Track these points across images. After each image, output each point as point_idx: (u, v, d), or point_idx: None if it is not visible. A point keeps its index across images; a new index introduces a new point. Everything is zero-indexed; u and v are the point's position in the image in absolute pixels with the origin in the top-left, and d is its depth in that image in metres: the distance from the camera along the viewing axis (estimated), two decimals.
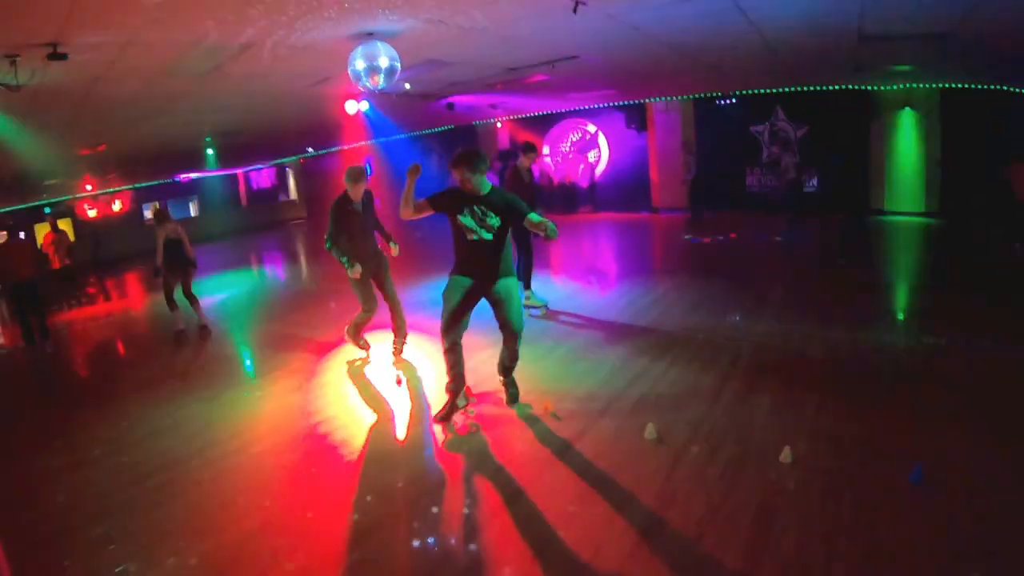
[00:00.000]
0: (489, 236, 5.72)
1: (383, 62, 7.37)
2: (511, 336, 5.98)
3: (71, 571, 4.21)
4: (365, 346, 8.11)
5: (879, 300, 9.19)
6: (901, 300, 9.50)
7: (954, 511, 3.94)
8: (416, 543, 4.12)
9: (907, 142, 15.73)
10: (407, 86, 11.23)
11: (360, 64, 7.37)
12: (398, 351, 7.94)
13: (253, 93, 10.35)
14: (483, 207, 5.69)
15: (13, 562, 4.24)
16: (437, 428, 5.86)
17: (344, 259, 7.41)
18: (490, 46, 8.85)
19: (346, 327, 8.08)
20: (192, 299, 10.55)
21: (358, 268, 7.45)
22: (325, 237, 7.53)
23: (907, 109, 15.52)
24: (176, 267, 10.26)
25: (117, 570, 4.10)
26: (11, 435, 7.14)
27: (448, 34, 7.75)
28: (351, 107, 12.42)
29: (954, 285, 9.51)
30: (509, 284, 5.90)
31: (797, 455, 4.65)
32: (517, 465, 5.03)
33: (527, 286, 9.56)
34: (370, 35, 7.36)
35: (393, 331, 7.95)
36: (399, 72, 7.66)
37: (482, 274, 5.86)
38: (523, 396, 6.26)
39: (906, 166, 15.79)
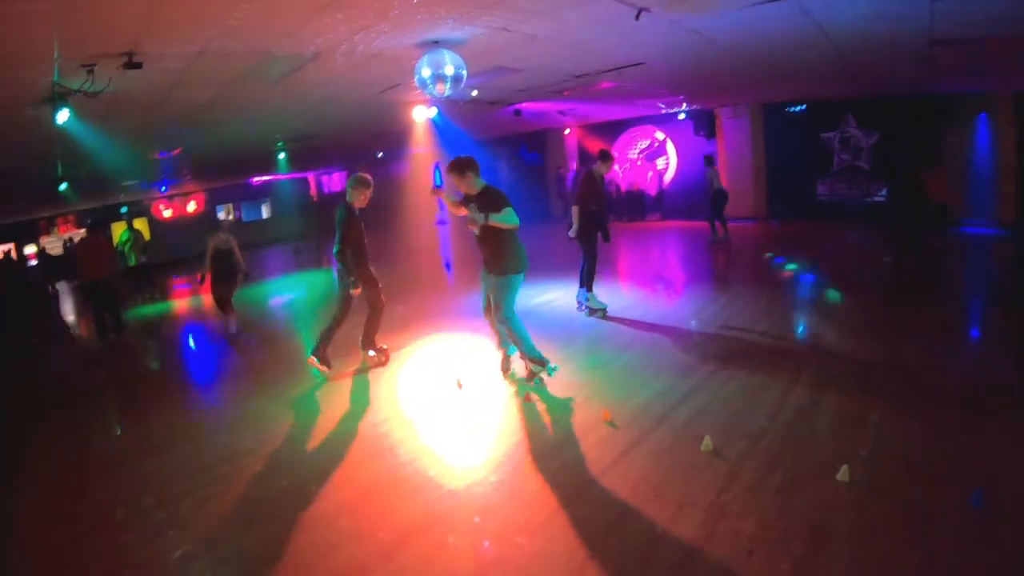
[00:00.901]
0: (477, 231, 6.58)
1: (449, 70, 7.43)
2: (498, 320, 6.78)
3: (133, 551, 4.43)
4: (381, 356, 8.08)
5: (952, 316, 8.77)
6: (975, 316, 9.09)
7: (1019, 539, 3.75)
8: (467, 544, 4.16)
9: (983, 150, 15.08)
10: (474, 93, 11.28)
11: (426, 72, 7.44)
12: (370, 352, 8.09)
13: (323, 100, 10.52)
14: (475, 204, 6.49)
15: (80, 540, 4.64)
16: (492, 431, 5.91)
17: (351, 279, 7.35)
18: (556, 53, 8.85)
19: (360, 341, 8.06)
20: (231, 309, 10.80)
21: (359, 289, 7.43)
22: (334, 244, 7.43)
23: (984, 115, 14.91)
24: (223, 276, 10.51)
25: (176, 554, 4.31)
26: (84, 423, 7.49)
27: (513, 41, 7.77)
28: (419, 114, 12.50)
29: None
30: (500, 282, 6.57)
31: (855, 474, 4.48)
32: (570, 472, 5.01)
33: (589, 288, 9.68)
34: (436, 43, 7.40)
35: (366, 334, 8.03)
36: (465, 80, 7.69)
37: (486, 263, 6.75)
38: (581, 404, 6.28)
39: (982, 175, 15.12)
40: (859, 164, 17.05)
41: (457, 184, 6.66)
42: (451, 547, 4.15)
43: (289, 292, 14.76)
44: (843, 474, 4.44)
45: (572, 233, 9.44)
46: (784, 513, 4.14)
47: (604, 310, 9.64)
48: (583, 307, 9.81)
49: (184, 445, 6.29)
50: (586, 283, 9.68)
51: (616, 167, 21.98)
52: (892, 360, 6.85)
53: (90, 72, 6.57)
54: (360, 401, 7.05)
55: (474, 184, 6.60)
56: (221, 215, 31.22)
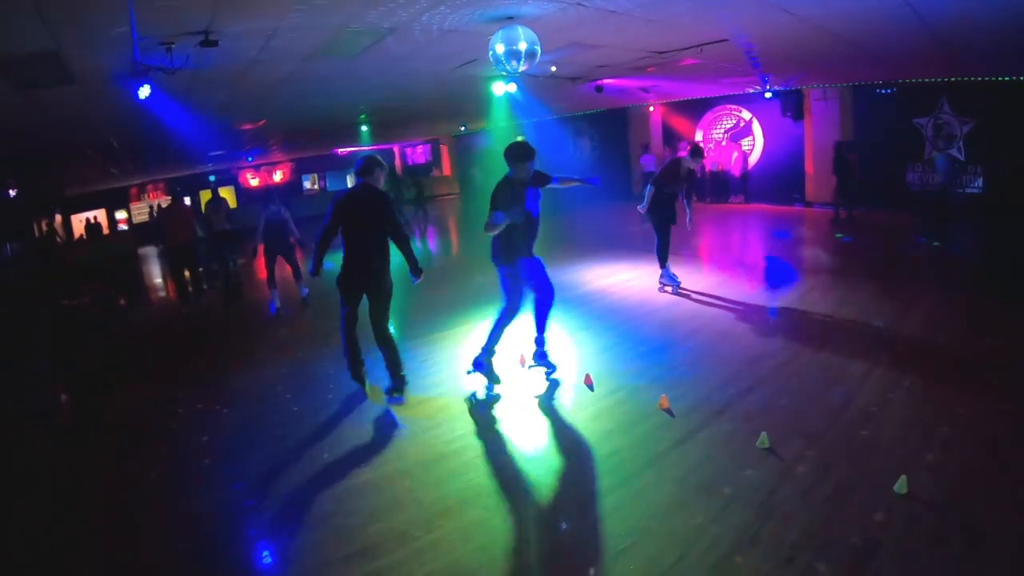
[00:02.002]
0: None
1: (522, 46, 7.34)
2: None
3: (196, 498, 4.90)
4: None
5: None
6: None
7: None
8: (506, 522, 4.26)
9: None
10: (553, 68, 11.16)
11: (500, 48, 7.38)
12: None
13: (403, 74, 10.55)
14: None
15: (158, 483, 5.22)
16: (545, 418, 5.91)
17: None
18: (634, 29, 8.64)
19: None
20: (296, 272, 11.16)
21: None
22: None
23: None
24: (276, 247, 10.67)
25: (245, 504, 4.78)
26: (162, 382, 7.94)
27: (589, 17, 7.60)
28: (499, 88, 12.44)
29: None
30: (498, 273, 6.52)
31: (914, 486, 4.21)
32: (619, 459, 4.97)
33: (662, 264, 10.03)
34: (510, 19, 7.31)
35: None
36: (539, 56, 7.59)
37: None
38: (641, 389, 6.25)
39: None
40: (952, 152, 16.21)
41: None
42: (489, 524, 4.22)
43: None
44: (901, 485, 4.20)
45: (642, 208, 9.72)
46: (832, 521, 3.98)
47: (676, 285, 9.91)
48: (663, 287, 10.04)
49: (250, 405, 6.77)
50: (660, 260, 9.97)
51: (701, 146, 21.53)
52: (968, 363, 6.45)
53: (168, 50, 6.72)
54: (424, 375, 7.16)
55: (522, 171, 6.18)
56: (307, 184, 31.92)
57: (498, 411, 6.07)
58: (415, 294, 8.77)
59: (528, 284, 6.44)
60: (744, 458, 4.83)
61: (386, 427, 5.90)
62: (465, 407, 6.19)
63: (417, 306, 9.89)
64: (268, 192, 11.12)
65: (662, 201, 9.69)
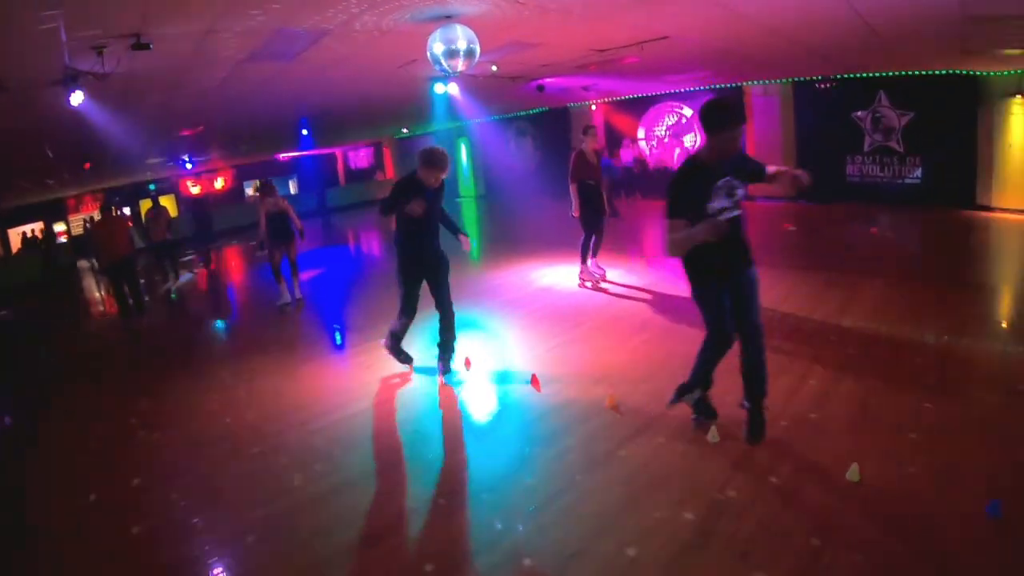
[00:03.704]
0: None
1: (461, 44, 7.28)
2: None
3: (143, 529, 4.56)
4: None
5: (981, 305, 8.30)
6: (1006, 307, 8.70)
7: None
8: (450, 529, 4.23)
9: (1018, 133, 14.56)
10: (494, 68, 11.13)
11: (439, 48, 7.32)
12: None
13: (341, 78, 10.41)
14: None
15: (99, 511, 4.90)
16: (490, 421, 5.91)
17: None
18: (574, 27, 8.64)
19: None
20: (294, 270, 10.95)
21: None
22: None
23: (1019, 97, 14.35)
24: (280, 240, 10.56)
25: (193, 521, 4.55)
26: (100, 397, 7.73)
27: (530, 15, 7.59)
28: (439, 88, 12.38)
29: None
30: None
31: (866, 474, 4.25)
32: (566, 460, 4.94)
33: (584, 261, 10.30)
34: (448, 18, 7.27)
35: None
36: (478, 55, 7.56)
37: None
38: (587, 388, 6.22)
39: (1016, 158, 14.43)
40: (891, 144, 16.60)
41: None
42: (440, 530, 4.19)
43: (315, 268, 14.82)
44: (853, 473, 4.24)
45: (574, 212, 9.90)
46: (786, 512, 4.00)
47: (597, 280, 10.20)
48: (583, 282, 10.28)
49: (191, 421, 6.51)
50: (583, 256, 10.17)
51: (643, 143, 21.77)
52: (918, 347, 6.58)
53: (100, 54, 6.54)
54: (368, 379, 7.10)
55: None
56: (249, 191, 31.42)
57: (440, 415, 6.05)
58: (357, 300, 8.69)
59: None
60: (694, 452, 4.84)
61: (328, 439, 5.75)
62: (408, 414, 6.16)
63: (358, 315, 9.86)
64: (264, 185, 10.99)
65: (587, 195, 9.86)
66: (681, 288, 9.35)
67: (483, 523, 4.22)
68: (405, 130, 27.45)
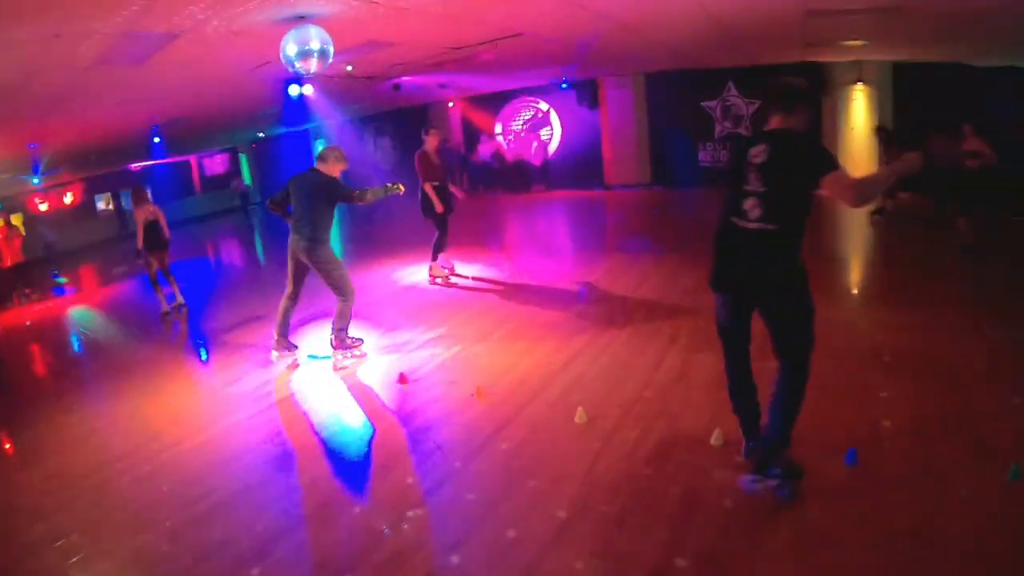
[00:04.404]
0: None
1: (315, 45, 7.32)
2: None
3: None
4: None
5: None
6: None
7: (890, 494, 3.91)
8: (338, 539, 4.14)
9: (859, 117, 15.87)
10: (349, 68, 11.18)
11: (292, 49, 7.33)
12: None
13: (193, 80, 10.25)
14: None
15: None
16: (360, 420, 5.93)
17: None
18: (429, 25, 8.83)
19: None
20: (170, 279, 10.76)
21: None
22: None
23: (860, 84, 15.67)
24: (155, 248, 10.40)
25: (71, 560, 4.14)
26: None
27: (383, 14, 7.71)
28: (293, 90, 12.30)
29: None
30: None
31: (729, 438, 4.53)
32: (446, 451, 5.03)
33: (434, 258, 10.48)
34: (301, 18, 7.32)
35: None
36: (332, 55, 7.62)
37: None
38: (454, 383, 6.35)
39: (858, 141, 15.83)
40: (740, 131, 17.64)
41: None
42: (324, 539, 4.14)
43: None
44: (716, 438, 4.56)
45: (439, 209, 10.01)
46: (656, 481, 4.25)
47: (446, 275, 10.48)
48: (435, 278, 10.48)
49: (56, 456, 5.85)
50: (434, 253, 10.36)
51: (500, 138, 22.18)
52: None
53: None
54: (242, 393, 6.92)
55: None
56: (101, 204, 30.03)
57: (305, 416, 6.07)
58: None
59: None
60: (565, 434, 5.06)
61: (206, 460, 5.74)
62: (274, 415, 6.13)
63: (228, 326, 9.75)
64: (136, 191, 10.67)
65: (440, 195, 10.03)
66: (532, 285, 9.79)
67: (366, 526, 4.18)
68: (260, 134, 26.91)
